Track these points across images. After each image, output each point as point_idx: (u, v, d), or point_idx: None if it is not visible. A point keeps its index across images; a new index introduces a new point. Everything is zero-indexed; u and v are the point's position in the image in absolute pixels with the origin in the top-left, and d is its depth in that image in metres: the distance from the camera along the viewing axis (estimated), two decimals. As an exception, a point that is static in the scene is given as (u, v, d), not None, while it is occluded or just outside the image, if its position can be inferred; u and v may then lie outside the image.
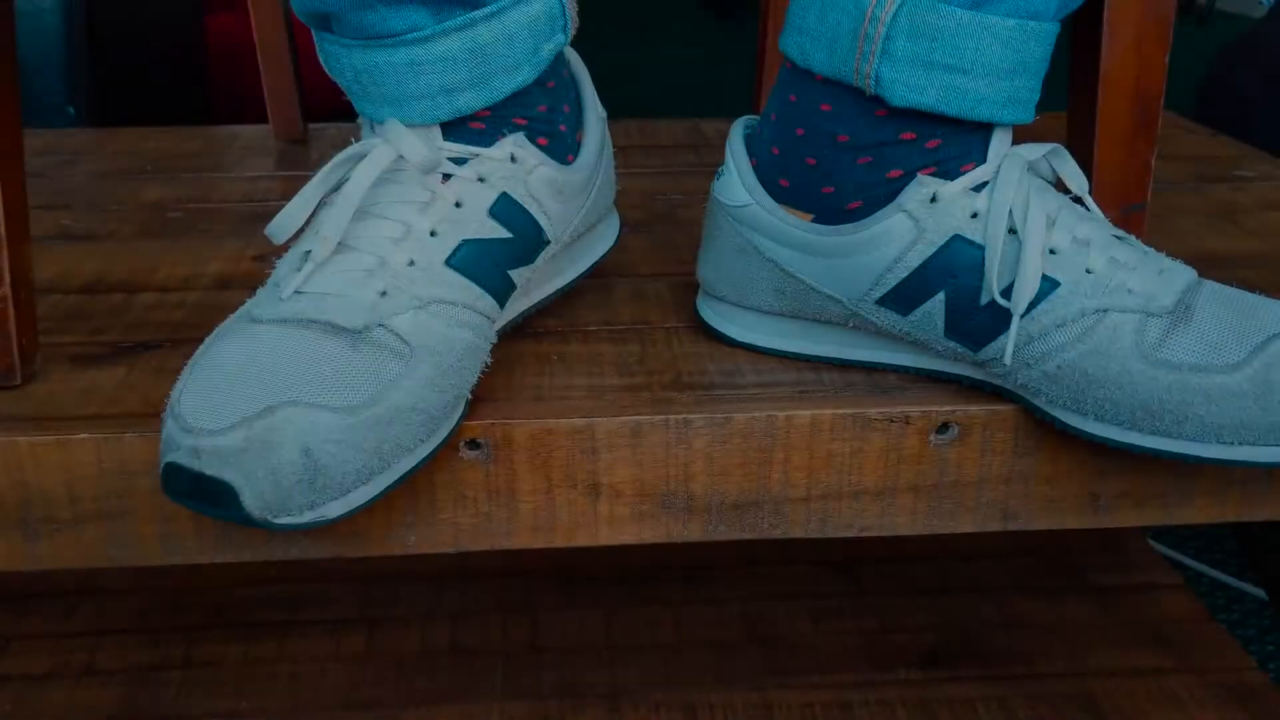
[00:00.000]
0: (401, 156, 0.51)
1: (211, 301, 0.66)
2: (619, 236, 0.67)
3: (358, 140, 0.54)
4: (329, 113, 0.91)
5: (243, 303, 0.51)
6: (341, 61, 0.52)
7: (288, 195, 0.53)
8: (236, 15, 2.05)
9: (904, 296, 0.53)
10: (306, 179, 0.51)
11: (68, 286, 0.69)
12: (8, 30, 0.54)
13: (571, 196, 0.58)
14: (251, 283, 0.68)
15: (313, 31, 0.53)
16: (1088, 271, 0.50)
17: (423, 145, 0.51)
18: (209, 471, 0.42)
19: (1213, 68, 2.05)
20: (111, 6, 1.54)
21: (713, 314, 0.61)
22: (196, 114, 1.91)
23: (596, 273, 0.65)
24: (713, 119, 1.09)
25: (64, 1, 1.45)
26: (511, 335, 0.59)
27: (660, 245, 0.76)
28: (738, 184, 0.57)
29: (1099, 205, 0.56)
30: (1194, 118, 2.05)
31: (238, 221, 0.80)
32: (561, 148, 0.57)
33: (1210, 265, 0.71)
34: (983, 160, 0.52)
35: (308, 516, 0.44)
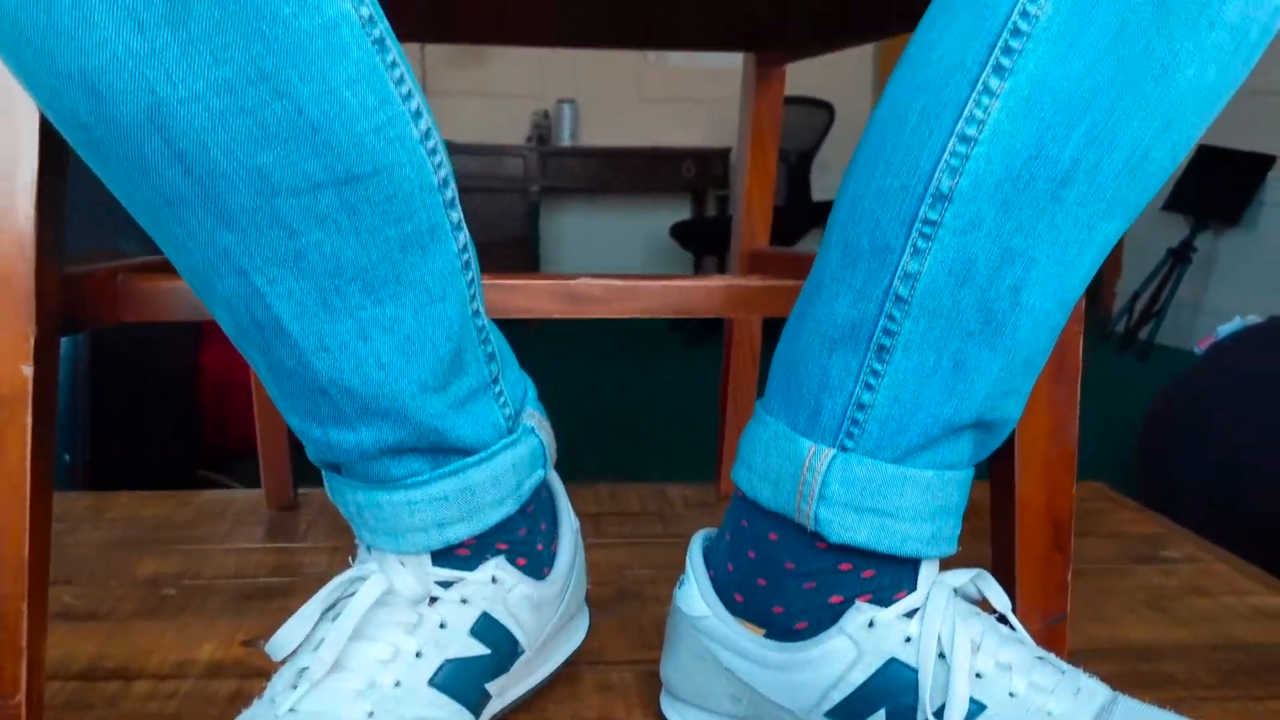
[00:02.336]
0: (393, 588, 0.57)
1: (203, 691, 0.70)
2: (588, 629, 0.72)
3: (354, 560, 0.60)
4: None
5: (232, 694, 0.56)
6: (345, 495, 0.59)
7: (277, 570, 0.58)
8: (228, 346, 2.18)
9: (849, 712, 0.58)
10: (296, 551, 0.57)
11: (67, 671, 0.73)
12: (44, 505, 0.61)
13: (546, 607, 0.64)
14: (241, 669, 0.73)
15: (321, 470, 0.60)
16: (1010, 695, 0.56)
17: (414, 579, 0.58)
18: None
19: (1151, 408, 2.19)
20: (114, 350, 1.64)
21: (675, 714, 0.66)
22: (186, 438, 1.99)
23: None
24: (678, 483, 1.16)
25: (71, 350, 1.55)
26: (486, 736, 0.63)
27: (628, 628, 0.81)
28: (697, 596, 0.63)
29: (1022, 620, 0.63)
30: (1136, 459, 2.16)
31: (230, 599, 0.84)
32: (538, 563, 0.64)
33: (1136, 656, 0.77)
34: (914, 588, 0.58)
35: None
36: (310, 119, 0.47)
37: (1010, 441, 0.66)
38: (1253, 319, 2.71)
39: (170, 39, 0.43)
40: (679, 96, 4.86)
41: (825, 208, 4.49)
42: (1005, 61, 0.51)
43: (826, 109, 4.30)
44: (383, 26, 0.49)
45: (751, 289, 0.76)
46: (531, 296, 0.72)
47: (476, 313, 0.57)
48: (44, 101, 0.46)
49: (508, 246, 4.38)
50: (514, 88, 4.75)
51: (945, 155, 0.53)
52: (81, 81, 0.43)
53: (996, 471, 0.67)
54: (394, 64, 0.49)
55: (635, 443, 2.24)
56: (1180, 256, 3.95)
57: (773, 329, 0.87)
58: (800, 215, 4.24)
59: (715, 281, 0.75)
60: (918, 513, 0.57)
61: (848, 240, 0.57)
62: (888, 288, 0.55)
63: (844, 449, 0.57)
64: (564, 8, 0.82)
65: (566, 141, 4.65)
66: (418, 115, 0.51)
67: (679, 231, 4.42)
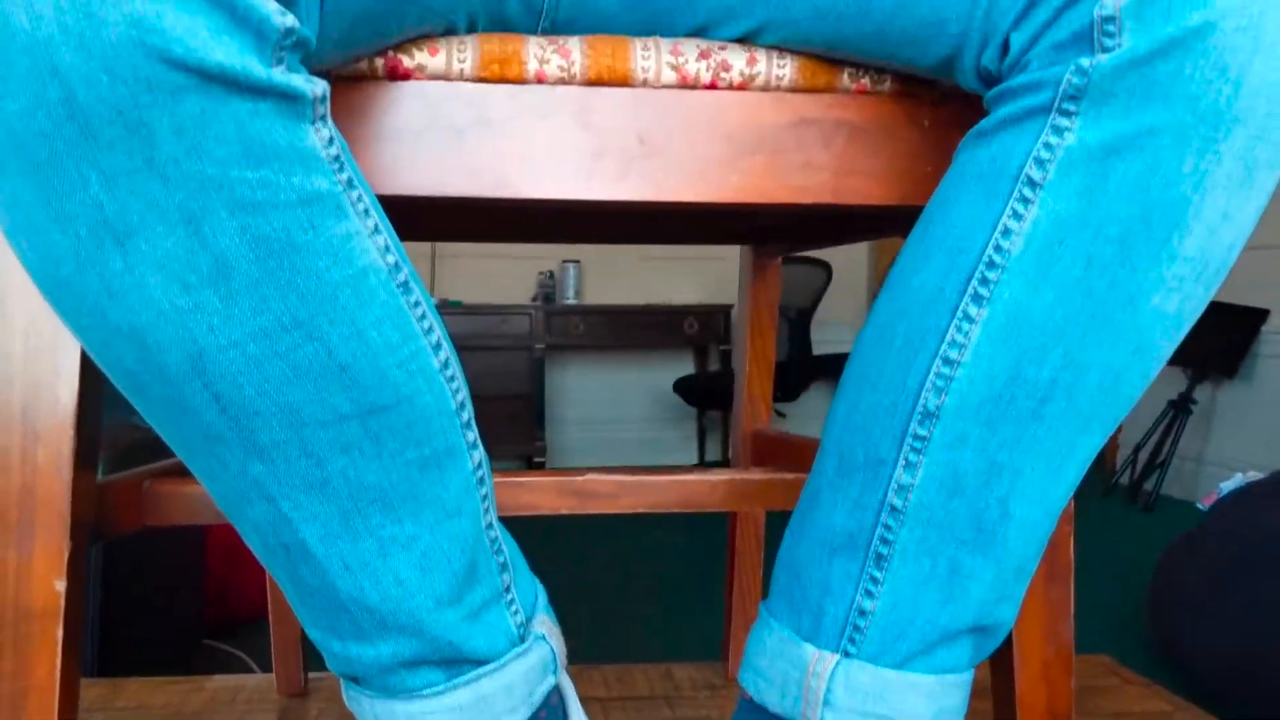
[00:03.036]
0: None
1: None
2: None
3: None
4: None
5: None
6: (362, 705, 0.60)
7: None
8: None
9: None
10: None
11: None
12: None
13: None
14: None
15: (340, 679, 0.62)
16: None
17: None
18: None
19: (1159, 568, 2.19)
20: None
21: None
22: (193, 608, 1.99)
23: None
24: (685, 663, 1.17)
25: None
26: None
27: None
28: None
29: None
30: (1147, 621, 2.14)
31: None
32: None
33: None
34: None
35: None
36: (339, 359, 0.50)
37: (1008, 642, 0.68)
38: (1255, 475, 2.72)
39: (213, 295, 0.47)
40: (680, 256, 4.98)
41: (825, 362, 4.55)
42: (983, 291, 0.55)
43: (824, 268, 4.41)
44: (407, 270, 0.53)
45: (755, 483, 0.78)
46: (540, 494, 0.75)
47: (489, 525, 0.60)
48: (94, 352, 0.49)
49: (512, 403, 4.42)
50: (520, 250, 4.88)
51: (931, 376, 0.56)
52: (130, 335, 0.47)
53: (996, 672, 0.68)
54: (417, 303, 0.53)
55: (640, 620, 2.23)
56: (1180, 408, 3.98)
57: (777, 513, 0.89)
58: (802, 370, 4.29)
59: (719, 476, 0.78)
60: (920, 717, 0.59)
61: (843, 451, 0.60)
62: (883, 499, 0.58)
63: (847, 654, 0.59)
64: (562, 223, 0.87)
65: (571, 300, 4.75)
66: (438, 347, 0.55)
67: (682, 387, 4.47)
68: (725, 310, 4.68)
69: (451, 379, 0.56)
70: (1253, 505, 2.19)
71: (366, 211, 0.51)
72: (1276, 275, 3.68)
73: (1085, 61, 0.52)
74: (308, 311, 0.49)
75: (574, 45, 0.66)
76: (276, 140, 0.46)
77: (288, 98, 0.46)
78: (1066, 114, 0.53)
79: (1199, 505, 3.48)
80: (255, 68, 0.44)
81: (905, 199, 0.68)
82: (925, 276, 0.58)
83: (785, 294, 4.17)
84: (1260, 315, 3.86)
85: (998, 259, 0.55)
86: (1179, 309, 0.55)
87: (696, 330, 4.70)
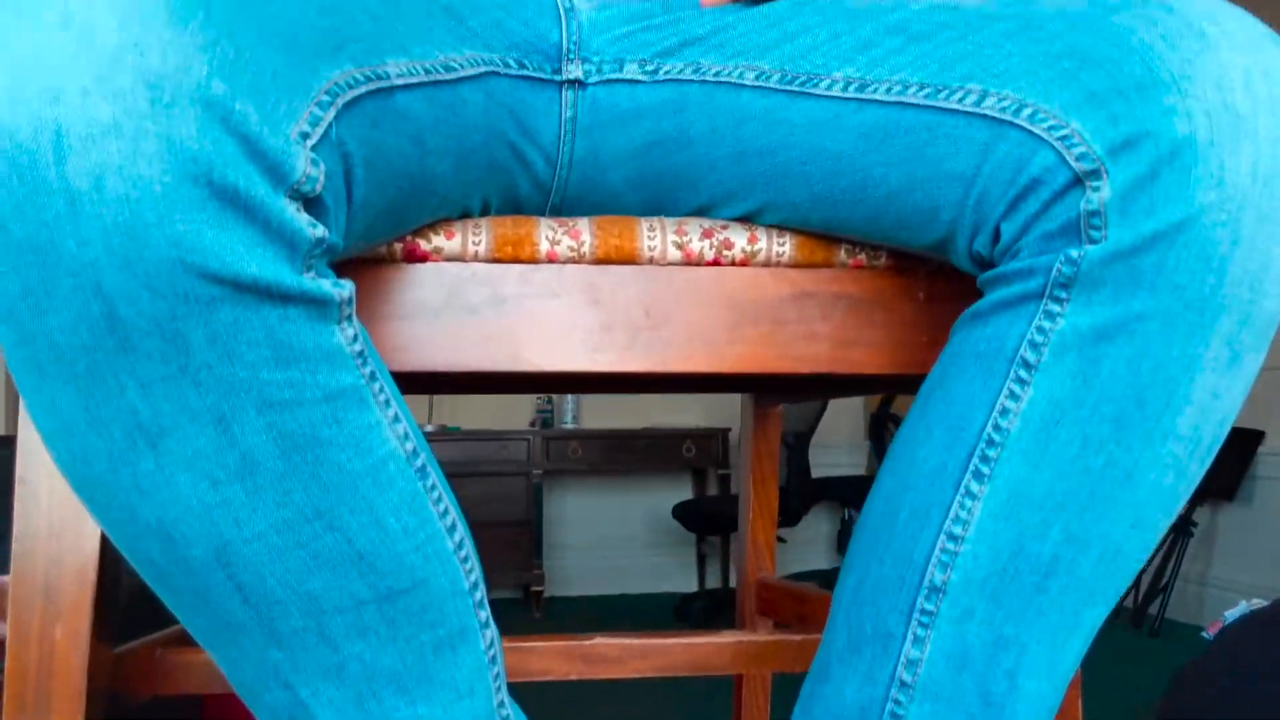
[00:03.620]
0: None
1: None
2: None
3: None
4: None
5: None
6: None
7: None
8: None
9: None
10: None
11: None
12: None
13: None
14: None
15: None
16: None
17: None
18: None
19: (1165, 701, 2.16)
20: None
21: None
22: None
23: None
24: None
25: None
26: None
27: None
28: None
29: None
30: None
31: None
32: None
33: None
34: None
35: None
36: (358, 547, 0.52)
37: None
38: (1258, 602, 2.70)
39: (239, 489, 0.48)
40: (678, 380, 5.01)
41: (825, 484, 4.54)
42: (984, 468, 0.57)
43: (821, 391, 4.43)
44: (425, 455, 0.55)
45: (763, 644, 0.79)
46: (547, 659, 0.75)
47: (501, 703, 0.61)
48: (122, 546, 0.51)
49: (510, 530, 4.40)
50: (518, 375, 4.91)
51: (936, 551, 0.58)
52: (158, 530, 0.49)
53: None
54: (433, 486, 0.55)
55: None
56: (1181, 531, 3.97)
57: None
58: (802, 494, 4.29)
59: (727, 638, 0.79)
60: None
61: (852, 625, 0.61)
62: (892, 673, 0.59)
63: (859, 830, 0.59)
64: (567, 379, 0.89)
65: (569, 424, 4.76)
66: (452, 529, 0.56)
67: (681, 512, 4.45)
68: (723, 433, 4.70)
69: (465, 559, 0.57)
70: (1258, 634, 2.17)
71: (387, 401, 0.53)
72: (1271, 397, 3.71)
73: (1074, 252, 0.54)
74: (329, 502, 0.50)
75: (583, 226, 0.69)
76: (304, 342, 0.48)
77: (317, 302, 0.48)
78: (1058, 300, 0.55)
79: (1204, 634, 3.44)
80: (287, 276, 0.46)
81: (903, 369, 0.70)
82: (928, 452, 0.60)
83: (783, 419, 4.18)
84: (1257, 437, 3.88)
85: (997, 437, 0.57)
86: (1174, 485, 0.57)
87: (694, 454, 4.70)
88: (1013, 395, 0.57)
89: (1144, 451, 0.56)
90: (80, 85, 0.42)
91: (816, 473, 4.55)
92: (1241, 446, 3.90)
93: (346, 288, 0.50)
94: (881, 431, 4.70)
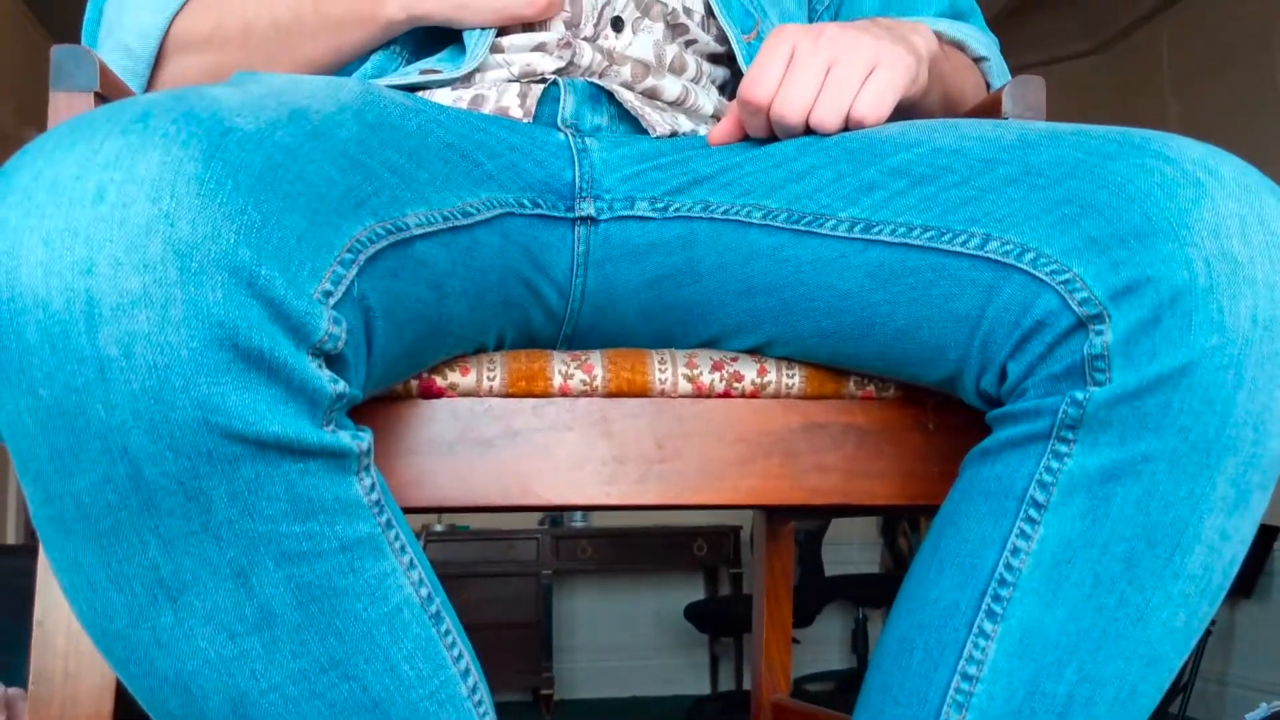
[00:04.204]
0: None
1: None
2: None
3: None
4: None
5: None
6: None
7: None
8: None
9: None
10: None
11: None
12: None
13: None
14: None
15: None
16: None
17: None
18: None
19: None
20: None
21: None
22: None
23: None
24: None
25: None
26: None
27: None
28: None
29: None
30: None
31: None
32: None
33: None
34: None
35: None
36: (373, 695, 0.52)
37: None
38: (1278, 704, 2.66)
39: (256, 642, 0.49)
40: (688, 477, 4.99)
41: (837, 582, 4.50)
42: (996, 608, 0.57)
43: (832, 488, 4.41)
44: (439, 600, 0.55)
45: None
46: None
47: None
48: (140, 697, 0.51)
49: (519, 631, 4.35)
50: (528, 473, 4.89)
51: (950, 692, 0.58)
52: (176, 683, 0.49)
53: None
54: (447, 632, 0.55)
55: None
56: (1199, 628, 3.92)
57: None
58: (815, 592, 4.24)
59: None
60: None
61: (868, 764, 0.61)
62: None
63: None
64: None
65: (579, 522, 4.74)
66: (466, 673, 0.56)
67: (694, 613, 4.40)
68: (734, 531, 4.67)
69: (480, 703, 0.57)
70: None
71: (403, 548, 0.54)
72: (1284, 493, 3.69)
73: (1079, 394, 0.55)
74: (345, 651, 0.51)
75: (596, 360, 0.70)
76: (324, 495, 0.49)
77: (336, 455, 0.49)
78: (1065, 441, 0.56)
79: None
80: (308, 432, 0.47)
81: (913, 499, 0.70)
82: (940, 590, 0.60)
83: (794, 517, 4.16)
84: (1272, 533, 3.84)
85: (1009, 577, 0.57)
86: (1186, 624, 0.57)
87: (706, 552, 4.67)
88: (1023, 534, 0.57)
89: (1156, 591, 0.56)
90: (112, 257, 0.43)
91: (830, 570, 4.50)
92: (1258, 542, 3.86)
93: (365, 439, 0.51)
94: (894, 530, 4.67)
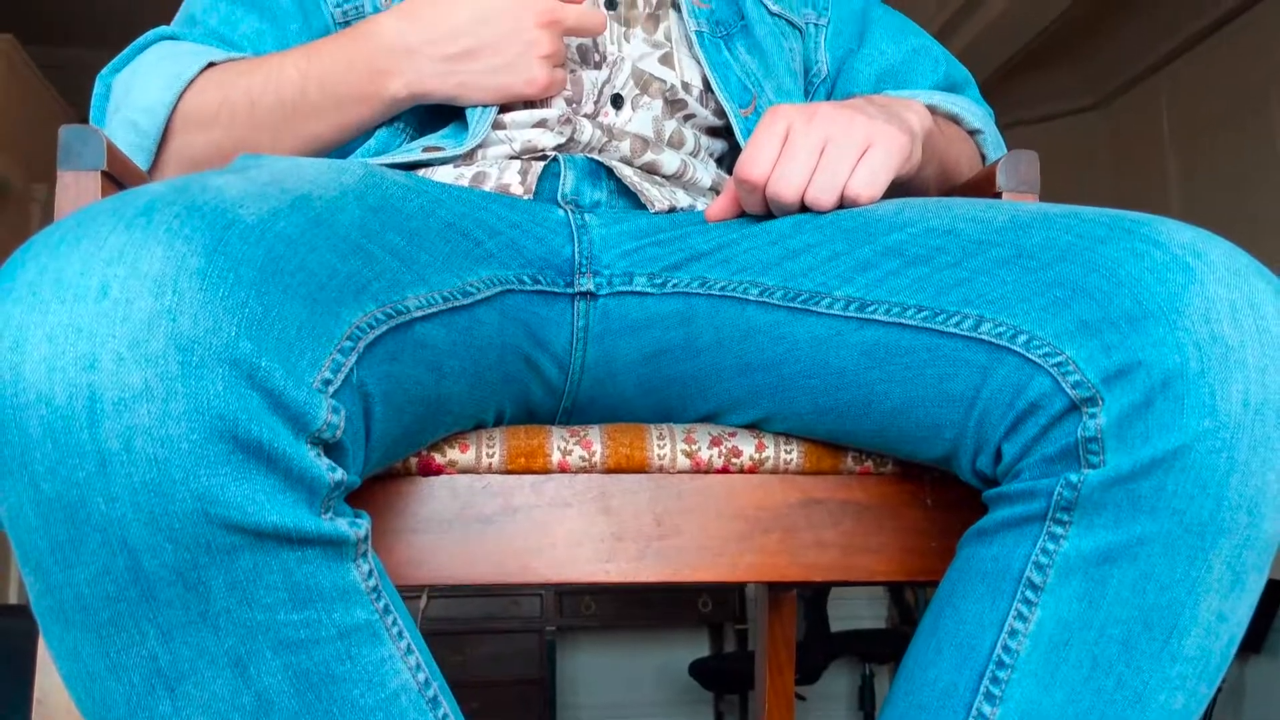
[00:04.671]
0: None
1: None
2: None
3: None
4: None
5: None
6: None
7: None
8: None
9: None
10: None
11: None
12: None
13: None
14: None
15: None
16: None
17: None
18: None
19: None
20: None
21: None
22: None
23: None
24: None
25: None
26: None
27: None
28: None
29: None
30: None
31: None
32: None
33: None
34: None
35: None
36: None
37: None
38: (1293, 765, 2.62)
39: None
40: (692, 532, 4.97)
41: (845, 639, 4.45)
42: (994, 690, 0.57)
43: (837, 543, 4.39)
44: (437, 684, 0.55)
45: None
46: None
47: None
48: None
49: (523, 688, 4.31)
50: (531, 528, 4.87)
51: None
52: None
53: None
54: (445, 716, 0.55)
55: None
56: (1209, 685, 3.88)
57: None
58: (820, 649, 4.21)
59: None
60: None
61: None
62: None
63: None
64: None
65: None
66: None
67: (698, 670, 4.36)
68: (739, 587, 4.63)
69: None
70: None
71: (400, 633, 0.54)
72: (1292, 548, 3.67)
73: (1074, 477, 0.55)
74: None
75: (594, 436, 0.71)
76: (321, 582, 0.49)
77: (334, 543, 0.49)
78: (1060, 523, 0.56)
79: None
80: (306, 520, 0.48)
81: (912, 575, 0.70)
82: (939, 671, 0.60)
83: (798, 571, 4.12)
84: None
85: (1006, 659, 0.57)
86: (1185, 706, 0.57)
87: (711, 608, 4.63)
88: (1021, 616, 0.57)
89: (1154, 673, 0.56)
90: (115, 352, 0.44)
91: (836, 626, 4.47)
92: (1266, 598, 3.83)
93: (363, 525, 0.52)
94: (900, 586, 4.64)
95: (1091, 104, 4.22)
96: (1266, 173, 3.32)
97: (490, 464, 0.69)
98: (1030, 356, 0.58)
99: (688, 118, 0.88)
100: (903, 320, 0.63)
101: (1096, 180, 4.16)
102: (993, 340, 0.59)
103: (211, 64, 0.86)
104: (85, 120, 0.87)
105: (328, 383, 0.49)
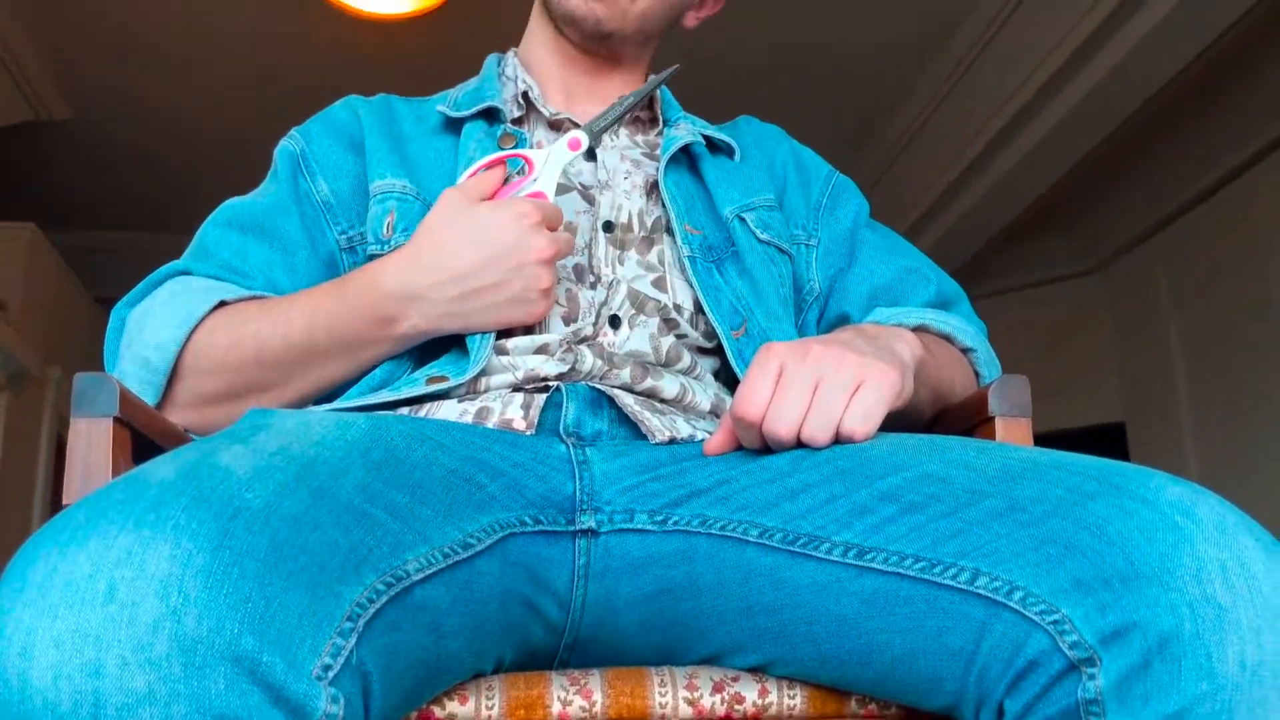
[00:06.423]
0: None
1: None
2: None
3: None
4: None
5: None
6: None
7: None
8: None
9: None
10: None
11: None
12: None
13: None
14: None
15: None
16: None
17: None
18: None
19: None
20: None
21: None
22: None
23: None
24: None
25: None
26: None
27: None
28: None
29: None
30: None
31: None
32: None
33: None
34: None
35: None
36: None
37: None
38: None
39: None
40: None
41: None
42: None
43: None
44: None
45: None
46: None
47: None
48: None
49: None
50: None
51: None
52: None
53: None
54: None
55: None
56: None
57: None
58: None
59: None
60: None
61: None
62: None
63: None
64: None
65: None
66: None
67: None
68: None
69: None
70: None
71: None
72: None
73: None
74: None
75: (595, 684, 0.70)
76: None
77: None
78: None
79: None
80: None
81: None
82: None
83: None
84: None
85: None
86: None
87: None
88: None
89: None
90: (120, 656, 0.45)
91: None
92: None
93: None
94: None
95: (1087, 269, 4.29)
96: (1267, 327, 3.34)
97: (490, 716, 0.68)
98: (1027, 613, 0.58)
99: (680, 337, 0.91)
100: (901, 570, 0.64)
101: (1099, 342, 4.20)
102: (990, 595, 0.60)
103: (223, 302, 0.89)
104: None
105: (328, 668, 0.50)
